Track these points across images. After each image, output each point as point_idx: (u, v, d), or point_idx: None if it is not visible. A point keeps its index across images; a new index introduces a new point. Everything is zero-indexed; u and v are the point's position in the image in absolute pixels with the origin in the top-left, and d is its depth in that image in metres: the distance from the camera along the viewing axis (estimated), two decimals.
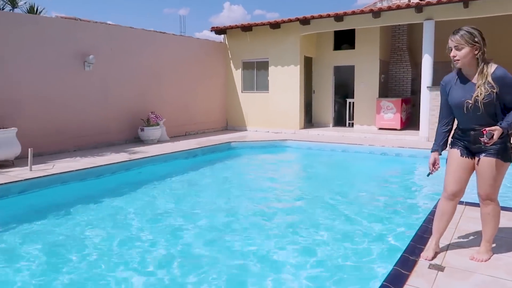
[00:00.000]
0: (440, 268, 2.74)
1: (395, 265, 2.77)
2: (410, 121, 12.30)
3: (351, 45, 12.25)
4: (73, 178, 6.28)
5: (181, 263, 3.38)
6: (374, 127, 11.86)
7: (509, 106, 2.63)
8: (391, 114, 11.42)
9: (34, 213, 4.93)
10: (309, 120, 13.05)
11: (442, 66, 11.81)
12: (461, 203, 4.26)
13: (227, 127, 13.29)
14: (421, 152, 8.46)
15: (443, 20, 9.76)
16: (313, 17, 10.95)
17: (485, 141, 2.56)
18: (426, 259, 2.88)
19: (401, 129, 11.37)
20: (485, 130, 2.58)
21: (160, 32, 10.60)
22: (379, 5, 13.46)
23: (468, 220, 3.73)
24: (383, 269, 3.01)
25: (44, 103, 7.90)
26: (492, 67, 2.62)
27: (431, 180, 6.55)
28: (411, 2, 11.08)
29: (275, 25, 11.69)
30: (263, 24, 11.83)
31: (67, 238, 4.04)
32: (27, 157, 6.41)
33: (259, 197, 5.81)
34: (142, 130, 9.55)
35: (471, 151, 2.81)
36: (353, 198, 5.60)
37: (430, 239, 3.09)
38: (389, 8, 9.90)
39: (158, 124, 9.82)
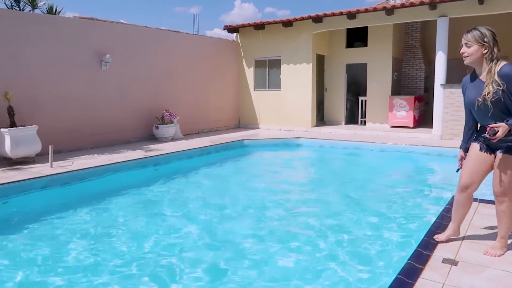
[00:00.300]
0: (453, 263, 2.80)
1: (409, 259, 2.85)
2: (424, 119, 12.25)
3: (364, 43, 12.25)
4: (91, 174, 6.46)
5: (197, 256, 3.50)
6: (386, 125, 11.84)
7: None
8: (404, 112, 11.39)
9: (56, 207, 5.11)
10: (321, 118, 13.09)
11: (455, 63, 11.77)
12: (475, 200, 4.30)
13: (239, 125, 13.40)
14: (434, 150, 8.47)
15: (457, 17, 9.70)
16: (325, 15, 10.98)
17: (489, 137, 2.63)
18: (436, 239, 3.14)
19: (414, 127, 11.34)
20: (488, 126, 2.66)
21: (174, 31, 10.74)
22: (392, 2, 13.39)
23: (482, 217, 3.77)
24: (399, 263, 3.08)
25: (62, 101, 8.10)
26: (500, 65, 2.70)
27: (446, 177, 6.58)
28: None
29: (287, 23, 11.74)
30: (276, 22, 11.89)
31: (95, 228, 4.20)
32: (47, 154, 6.60)
33: (274, 193, 5.91)
34: (157, 128, 9.71)
35: (491, 147, 2.87)
36: (368, 195, 5.66)
37: (449, 225, 3.22)
38: (402, 5, 9.88)
39: (172, 122, 9.97)
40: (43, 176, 5.93)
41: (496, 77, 2.66)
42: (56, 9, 8.65)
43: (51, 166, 6.48)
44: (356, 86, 13.03)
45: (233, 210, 4.99)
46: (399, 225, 4.22)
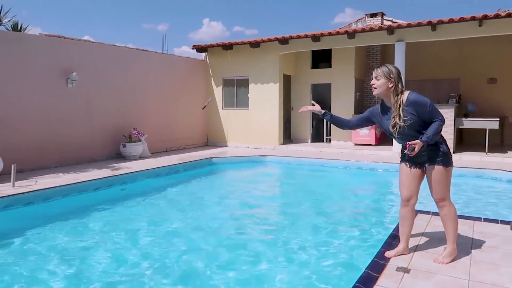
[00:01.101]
0: (406, 270, 3.03)
1: (366, 268, 3.05)
2: (385, 137, 12.82)
3: (328, 64, 12.78)
4: (56, 194, 6.36)
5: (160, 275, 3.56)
6: (350, 142, 12.31)
7: (428, 121, 3.07)
8: (366, 130, 11.89)
9: (18, 228, 5.00)
10: (288, 136, 13.42)
11: (413, 84, 12.51)
12: (427, 213, 4.63)
13: (208, 143, 13.50)
14: (394, 167, 8.87)
15: (413, 42, 10.37)
16: (291, 37, 11.42)
17: (409, 153, 3.05)
18: (386, 256, 3.31)
19: (376, 145, 11.85)
20: (407, 144, 3.05)
21: (143, 50, 10.83)
22: (354, 26, 14.12)
23: (434, 228, 4.06)
24: (356, 272, 3.27)
25: (26, 119, 7.96)
26: (405, 95, 3.08)
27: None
28: (383, 24, 11.73)
29: (255, 44, 12.10)
30: (243, 43, 12.23)
31: (54, 251, 4.16)
32: (8, 174, 6.45)
33: (241, 211, 6.03)
34: (124, 146, 9.66)
35: (418, 162, 3.23)
36: (331, 210, 5.89)
37: (399, 244, 3.40)
38: (363, 30, 10.46)
39: (140, 140, 9.95)
40: (5, 196, 5.79)
41: (404, 107, 3.04)
42: (21, 26, 8.56)
43: (13, 186, 6.34)
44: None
45: (204, 226, 5.07)
46: (359, 236, 4.45)
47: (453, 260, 3.20)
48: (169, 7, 47.66)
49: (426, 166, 3.20)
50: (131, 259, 3.91)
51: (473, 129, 10.34)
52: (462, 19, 9.11)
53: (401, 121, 3.04)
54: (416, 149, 3.01)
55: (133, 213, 5.78)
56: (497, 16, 8.81)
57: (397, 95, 3.06)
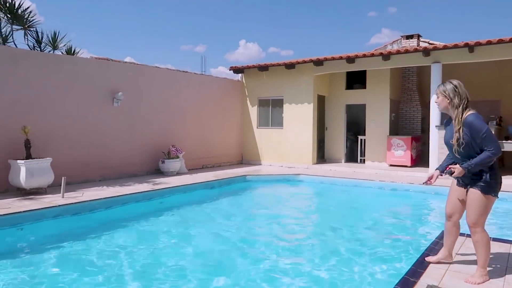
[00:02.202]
0: None
1: (396, 284, 3.13)
2: (421, 159, 12.62)
3: (363, 85, 12.85)
4: (101, 205, 6.78)
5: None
6: (385, 163, 12.20)
7: (478, 148, 3.12)
8: (402, 151, 11.78)
9: (67, 235, 5.39)
10: (322, 155, 13.48)
11: None
12: (462, 234, 4.59)
13: (242, 161, 13.79)
14: (430, 189, 8.73)
15: (450, 63, 10.30)
16: (326, 59, 11.63)
17: (448, 175, 3.19)
18: (426, 260, 3.67)
19: (411, 166, 11.68)
20: (448, 167, 3.20)
21: (183, 71, 11.38)
22: (389, 47, 14.15)
23: (467, 249, 4.05)
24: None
25: (75, 135, 8.56)
26: (466, 113, 3.17)
27: (440, 213, 6.90)
28: (419, 46, 11.72)
29: (290, 66, 12.40)
30: (279, 65, 12.56)
31: (100, 257, 4.47)
32: (58, 185, 6.96)
33: (274, 228, 6.18)
34: (163, 162, 10.10)
35: (465, 182, 3.33)
36: (366, 229, 5.93)
37: (440, 250, 3.73)
38: (398, 52, 10.52)
39: (178, 157, 10.37)
40: (56, 206, 6.25)
41: (462, 125, 3.15)
42: (74, 50, 9.30)
43: (63, 197, 6.82)
44: (356, 126, 13.51)
45: (240, 241, 5.27)
46: (392, 255, 4.48)
47: (485, 281, 3.21)
48: (207, 28, 49.35)
49: (468, 188, 3.30)
50: (169, 266, 4.16)
51: None
52: (500, 41, 9.00)
53: (457, 137, 3.15)
54: (455, 174, 3.16)
55: (169, 225, 6.06)
56: None
57: (456, 108, 3.20)
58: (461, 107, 3.19)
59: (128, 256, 4.53)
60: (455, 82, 3.29)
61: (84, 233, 5.45)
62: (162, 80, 10.66)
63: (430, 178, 3.57)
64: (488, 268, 3.33)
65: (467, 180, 3.28)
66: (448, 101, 3.26)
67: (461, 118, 3.17)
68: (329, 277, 3.91)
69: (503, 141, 9.77)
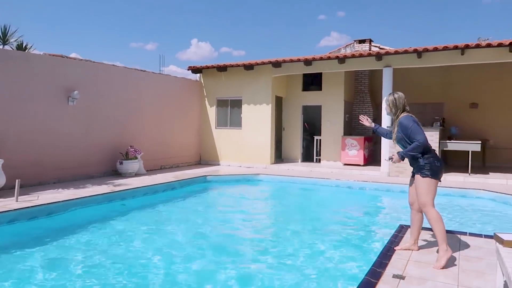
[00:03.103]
0: (401, 277, 3.34)
1: (365, 275, 3.35)
2: (373, 158, 13.28)
3: (319, 87, 13.29)
4: (59, 208, 6.52)
5: None
6: (339, 162, 12.71)
7: (410, 141, 3.85)
8: (355, 150, 12.34)
9: (24, 241, 5.16)
10: (279, 155, 13.77)
11: None
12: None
13: (200, 161, 13.75)
14: (382, 186, 9.31)
15: (400, 68, 10.95)
16: (284, 61, 11.91)
17: (391, 162, 4.02)
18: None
19: (364, 165, 12.28)
20: (390, 156, 4.07)
21: (141, 70, 11.16)
22: (343, 51, 14.75)
23: (423, 241, 4.39)
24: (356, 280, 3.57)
25: (28, 135, 8.13)
26: (400, 116, 3.94)
27: (394, 208, 7.35)
28: (372, 50, 12.34)
29: (248, 67, 12.55)
30: (238, 65, 12.67)
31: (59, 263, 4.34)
32: (8, 189, 6.60)
33: (239, 226, 6.29)
34: (121, 163, 9.86)
35: (413, 172, 4.00)
36: (328, 226, 6.20)
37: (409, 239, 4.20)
38: (353, 56, 11.01)
39: (136, 158, 10.16)
40: (10, 210, 5.93)
41: (395, 128, 3.98)
42: (26, 46, 8.82)
43: (17, 200, 6.48)
44: (312, 126, 13.95)
45: (205, 241, 5.31)
46: (355, 249, 4.75)
47: (444, 267, 3.56)
48: (158, 27, 48.32)
49: (414, 175, 3.96)
50: (135, 272, 4.13)
51: (456, 151, 10.87)
52: (445, 48, 9.72)
53: (394, 137, 4.00)
54: (394, 160, 3.96)
55: (132, 228, 5.98)
56: (477, 46, 9.44)
57: (394, 114, 4.02)
58: (397, 114, 3.99)
59: (90, 260, 4.43)
60: (396, 95, 4.03)
61: (42, 238, 5.23)
62: (120, 79, 10.39)
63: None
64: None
65: (414, 170, 3.95)
66: (389, 109, 4.06)
67: (396, 120, 3.96)
68: (295, 274, 4.08)
69: (447, 141, 10.54)
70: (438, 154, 3.96)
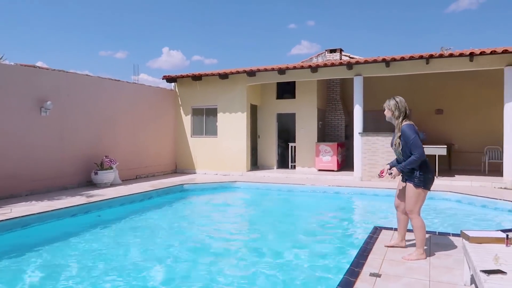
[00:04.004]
0: (378, 275, 3.55)
1: (344, 275, 3.53)
2: (346, 163, 13.66)
3: (292, 95, 13.59)
4: (34, 221, 6.41)
5: None
6: (314, 168, 13.00)
7: (409, 151, 3.88)
8: (329, 157, 12.67)
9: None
10: (255, 163, 13.93)
11: (370, 114, 13.55)
12: (391, 229, 5.23)
13: (176, 170, 13.72)
14: (356, 190, 9.61)
15: (370, 76, 11.39)
16: (258, 70, 12.13)
17: (390, 177, 4.00)
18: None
19: (338, 170, 12.61)
20: (389, 170, 4.05)
21: (115, 79, 11.09)
22: (314, 60, 15.15)
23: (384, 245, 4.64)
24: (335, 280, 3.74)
25: None
26: (403, 123, 3.95)
27: (367, 211, 7.63)
28: (342, 60, 12.77)
29: (223, 76, 12.70)
30: (213, 74, 12.79)
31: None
32: None
33: (220, 233, 6.38)
34: (96, 173, 9.74)
35: (405, 177, 4.09)
36: (306, 229, 6.38)
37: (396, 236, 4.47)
38: (325, 65, 11.36)
39: (111, 168, 10.06)
40: None
41: (398, 136, 3.95)
42: None
43: None
44: (286, 134, 14.20)
45: (186, 250, 5.37)
46: (332, 251, 4.94)
47: (420, 259, 3.93)
48: (128, 35, 47.69)
49: (406, 182, 4.06)
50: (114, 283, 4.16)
51: None
52: (411, 57, 10.21)
53: (397, 142, 3.98)
54: (394, 174, 3.99)
55: (109, 239, 5.96)
56: (441, 56, 9.97)
57: (396, 119, 4.01)
58: (400, 118, 3.97)
59: (68, 271, 4.42)
60: (398, 99, 4.05)
61: (17, 251, 5.15)
62: (93, 88, 10.29)
63: (382, 171, 4.20)
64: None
65: (406, 176, 4.02)
66: (391, 113, 4.04)
67: (400, 126, 3.94)
68: (277, 276, 4.23)
69: None
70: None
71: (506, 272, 2.52)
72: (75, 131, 9.69)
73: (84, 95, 10.00)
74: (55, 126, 9.16)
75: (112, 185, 10.11)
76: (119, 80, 11.25)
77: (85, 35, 46.91)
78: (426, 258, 3.97)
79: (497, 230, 4.10)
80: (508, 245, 3.15)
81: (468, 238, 3.29)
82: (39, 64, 9.37)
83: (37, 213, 6.57)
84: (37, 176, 8.68)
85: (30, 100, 8.56)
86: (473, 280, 3.22)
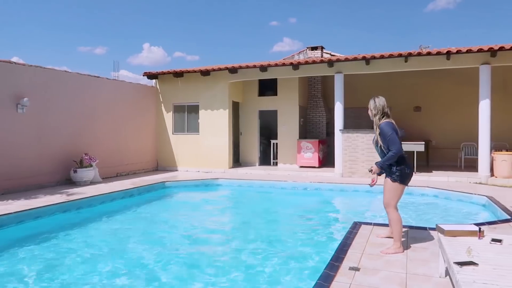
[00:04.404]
0: (357, 269, 3.63)
1: (324, 269, 3.60)
2: (327, 160, 13.81)
3: (274, 92, 13.64)
4: (12, 220, 6.27)
5: None
6: (295, 165, 13.11)
7: (388, 148, 4.01)
8: (310, 153, 12.79)
9: None
10: (237, 159, 13.95)
11: (351, 111, 13.72)
12: (370, 224, 5.34)
13: (158, 167, 13.61)
14: (337, 186, 9.75)
15: (350, 74, 11.53)
16: (240, 67, 12.12)
17: (369, 171, 4.13)
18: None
19: (319, 167, 12.75)
20: (371, 166, 4.15)
21: (95, 76, 10.91)
22: (296, 58, 15.23)
23: (375, 236, 4.74)
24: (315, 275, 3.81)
25: None
26: (381, 121, 4.08)
27: (348, 207, 7.76)
28: (323, 57, 12.88)
29: (205, 73, 12.64)
30: (194, 71, 12.72)
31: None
32: None
33: (200, 230, 6.38)
34: (75, 171, 9.58)
35: (386, 175, 4.22)
36: (285, 225, 6.44)
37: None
38: (306, 62, 11.45)
39: (91, 166, 9.92)
40: None
41: (377, 133, 4.10)
42: None
43: None
44: (268, 130, 14.26)
45: (169, 246, 5.36)
46: (313, 246, 5.02)
47: (398, 252, 4.05)
48: (108, 30, 46.89)
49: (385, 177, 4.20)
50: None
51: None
52: (391, 56, 10.39)
53: (377, 139, 4.12)
54: (373, 171, 4.14)
55: (89, 237, 5.89)
56: (419, 54, 10.18)
57: (374, 117, 4.17)
58: (377, 116, 4.13)
59: (50, 272, 4.36)
60: (377, 99, 4.21)
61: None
62: (72, 85, 10.10)
63: (373, 180, 4.29)
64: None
65: (385, 172, 4.17)
66: (371, 112, 4.24)
67: (378, 124, 4.09)
68: (257, 272, 4.27)
69: None
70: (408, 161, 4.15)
71: (478, 264, 2.62)
72: (53, 128, 9.50)
73: (63, 91, 9.81)
74: (32, 123, 8.97)
75: (92, 183, 9.96)
76: (98, 77, 11.07)
77: (62, 30, 45.91)
78: (403, 251, 4.08)
79: (471, 224, 4.24)
80: (481, 238, 3.27)
81: (443, 231, 3.40)
82: (14, 59, 9.11)
83: (14, 212, 6.44)
84: (13, 174, 8.49)
85: (5, 97, 8.35)
86: (447, 272, 3.33)
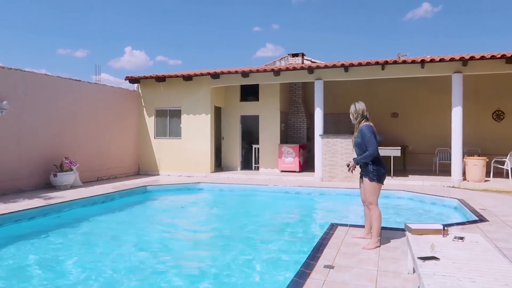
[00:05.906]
0: (331, 267, 3.81)
1: (300, 267, 3.77)
2: (307, 164, 14.06)
3: (256, 97, 13.84)
4: None
5: None
6: (277, 170, 13.30)
7: (365, 149, 4.41)
8: (291, 158, 13.01)
9: None
10: (219, 164, 14.05)
11: (331, 117, 14.03)
12: (346, 225, 5.55)
13: (139, 171, 13.59)
14: (317, 190, 9.98)
15: (330, 80, 11.83)
16: (222, 72, 12.27)
17: (347, 166, 4.54)
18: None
19: (300, 171, 12.97)
20: (349, 161, 4.54)
21: (75, 79, 10.88)
22: (278, 64, 15.49)
23: (350, 236, 4.94)
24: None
25: None
26: (362, 124, 4.50)
27: (327, 210, 7.95)
28: (304, 64, 13.16)
29: (187, 77, 12.75)
30: (176, 76, 12.80)
31: None
32: None
33: (181, 233, 6.47)
34: (55, 175, 9.52)
35: (363, 175, 4.59)
36: (266, 227, 6.59)
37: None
38: (287, 69, 11.69)
39: (71, 170, 9.87)
40: None
41: (356, 134, 4.53)
42: None
43: None
44: (250, 135, 14.43)
45: (146, 247, 5.44)
46: (291, 246, 5.19)
47: (376, 247, 4.37)
48: (88, 33, 46.26)
49: (364, 178, 4.59)
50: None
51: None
52: (368, 63, 10.72)
53: (354, 139, 4.56)
54: (350, 166, 4.60)
55: (69, 242, 5.92)
56: (395, 62, 10.55)
57: (355, 119, 4.60)
58: (357, 119, 4.56)
59: (27, 276, 4.39)
60: (357, 104, 4.62)
61: None
62: (52, 88, 10.05)
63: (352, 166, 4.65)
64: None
65: (362, 171, 4.56)
66: (352, 116, 4.67)
67: (358, 127, 4.53)
68: (236, 273, 4.41)
69: None
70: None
71: (439, 258, 2.83)
72: (33, 131, 9.44)
73: (43, 95, 9.76)
74: (12, 127, 8.90)
75: (72, 187, 9.91)
76: (79, 80, 11.04)
77: (41, 33, 45.09)
78: (379, 246, 4.46)
79: (437, 223, 4.48)
80: (445, 235, 3.49)
81: (411, 230, 3.62)
82: None
83: None
84: None
85: None
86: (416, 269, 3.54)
